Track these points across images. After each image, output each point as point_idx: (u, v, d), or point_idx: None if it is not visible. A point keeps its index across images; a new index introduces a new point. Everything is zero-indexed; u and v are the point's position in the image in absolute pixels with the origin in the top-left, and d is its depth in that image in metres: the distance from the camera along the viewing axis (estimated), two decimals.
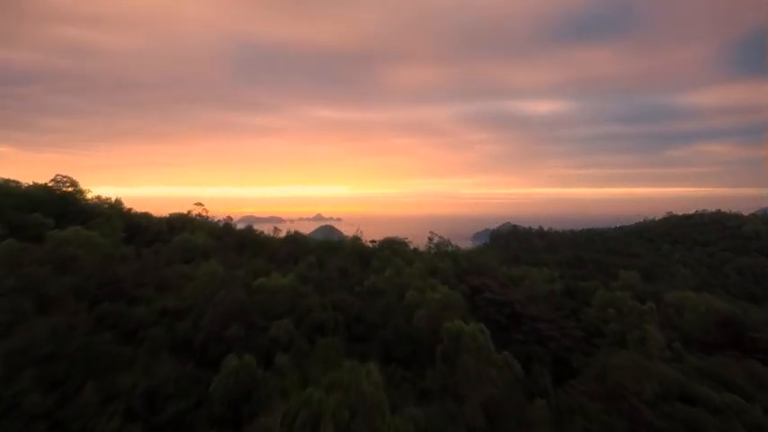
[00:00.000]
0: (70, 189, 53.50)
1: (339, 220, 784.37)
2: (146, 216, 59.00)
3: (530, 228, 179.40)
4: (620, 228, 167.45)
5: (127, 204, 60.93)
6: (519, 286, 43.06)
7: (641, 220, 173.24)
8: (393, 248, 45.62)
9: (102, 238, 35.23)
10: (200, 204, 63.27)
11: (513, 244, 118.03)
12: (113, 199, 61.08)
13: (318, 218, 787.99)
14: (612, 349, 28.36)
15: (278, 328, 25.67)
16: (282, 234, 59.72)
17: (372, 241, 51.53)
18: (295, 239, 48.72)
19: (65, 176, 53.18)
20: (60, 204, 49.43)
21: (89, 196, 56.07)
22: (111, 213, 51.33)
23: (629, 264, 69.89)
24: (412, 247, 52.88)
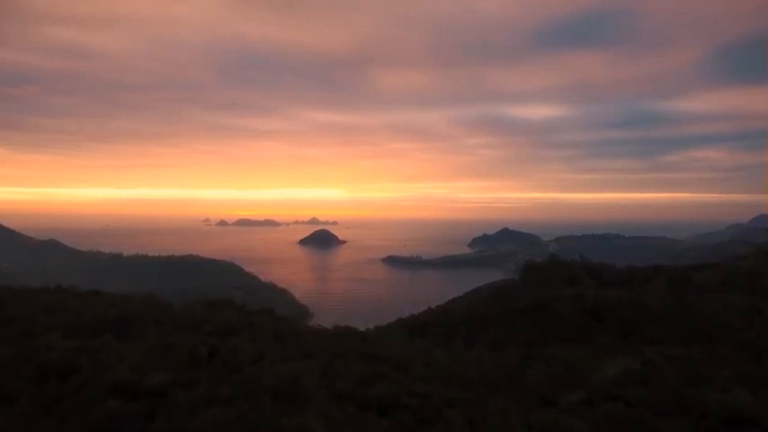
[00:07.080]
0: None
1: (335, 223, 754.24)
2: None
3: (569, 259, 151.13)
4: (707, 269, 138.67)
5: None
6: None
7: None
8: None
9: None
10: None
11: (571, 304, 66.95)
12: None
13: (314, 221, 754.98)
14: None
15: None
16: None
17: None
18: None
19: None
20: None
21: None
22: None
23: None
24: None
